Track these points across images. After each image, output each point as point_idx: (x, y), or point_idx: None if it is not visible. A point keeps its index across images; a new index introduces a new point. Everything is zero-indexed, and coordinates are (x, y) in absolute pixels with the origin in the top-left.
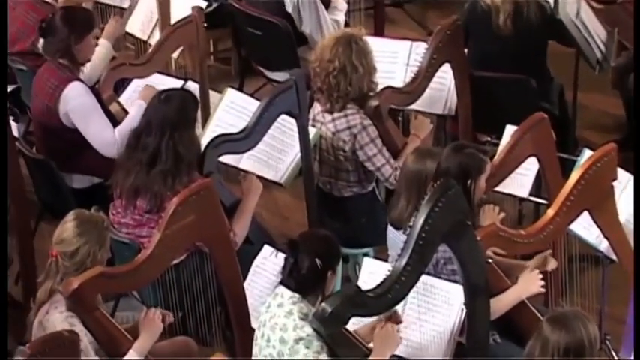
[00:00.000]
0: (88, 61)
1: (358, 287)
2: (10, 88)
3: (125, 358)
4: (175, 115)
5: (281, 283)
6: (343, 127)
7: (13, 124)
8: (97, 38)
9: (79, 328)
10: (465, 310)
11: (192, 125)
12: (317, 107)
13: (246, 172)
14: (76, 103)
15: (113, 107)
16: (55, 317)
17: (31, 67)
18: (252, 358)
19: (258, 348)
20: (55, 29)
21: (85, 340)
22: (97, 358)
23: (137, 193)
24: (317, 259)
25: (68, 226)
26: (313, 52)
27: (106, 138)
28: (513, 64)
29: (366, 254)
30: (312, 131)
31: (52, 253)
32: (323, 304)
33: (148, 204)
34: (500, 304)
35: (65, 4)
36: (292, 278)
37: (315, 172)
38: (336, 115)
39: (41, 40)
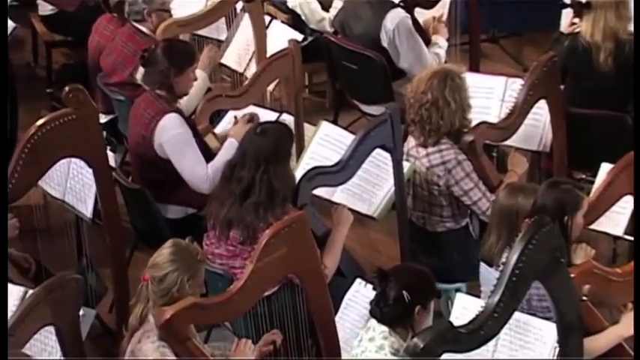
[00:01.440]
0: (186, 94)
1: (450, 323)
2: (107, 118)
3: None
4: (271, 148)
5: (370, 313)
6: (437, 162)
7: (110, 154)
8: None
9: (171, 358)
10: (557, 349)
11: (288, 159)
12: (411, 141)
13: (338, 204)
14: (171, 136)
15: (209, 138)
16: (147, 347)
17: (129, 98)
18: None
19: None
20: (156, 61)
21: None
22: None
23: (230, 225)
24: (404, 292)
25: (164, 252)
26: (410, 84)
27: (198, 173)
28: (609, 101)
29: (458, 290)
30: (406, 165)
31: (144, 277)
32: (415, 339)
33: (240, 235)
34: (598, 343)
35: (163, 35)
36: (379, 309)
37: (409, 206)
38: (430, 149)
39: (140, 70)
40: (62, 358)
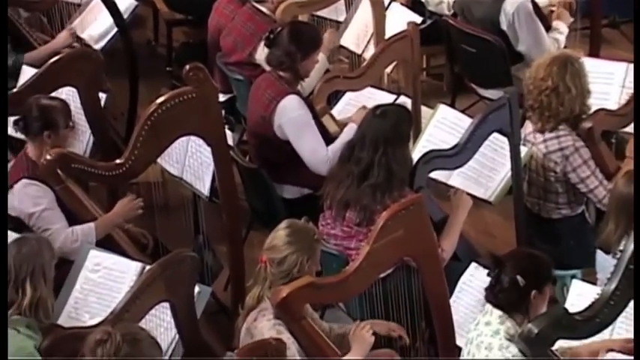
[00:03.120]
0: (307, 76)
1: (566, 309)
2: (225, 97)
3: None
4: (390, 130)
5: (485, 299)
6: (555, 148)
7: (228, 133)
8: None
9: (286, 337)
10: None
11: (406, 141)
12: (529, 127)
13: (455, 188)
14: (291, 117)
15: (325, 120)
16: (263, 325)
17: (247, 77)
18: None
19: None
20: (282, 42)
21: (293, 348)
22: None
23: (347, 206)
24: (519, 277)
25: (280, 234)
26: (528, 70)
27: (318, 155)
28: None
29: (573, 276)
30: (523, 150)
31: (262, 260)
32: (529, 324)
33: (357, 216)
34: None
35: (283, 16)
36: (494, 294)
37: (524, 191)
38: (547, 135)
39: (258, 51)
40: (177, 333)
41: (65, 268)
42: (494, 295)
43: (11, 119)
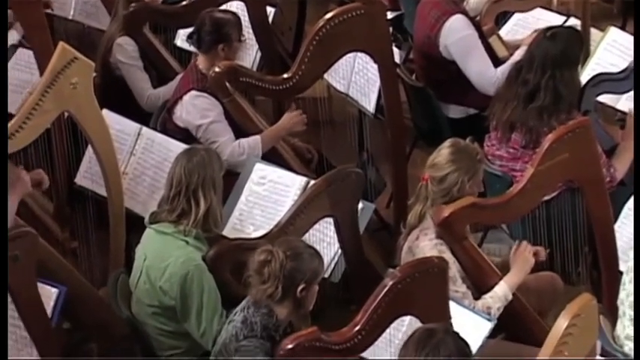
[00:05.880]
0: None
1: None
2: (393, 15)
3: (497, 289)
4: (559, 53)
5: None
6: None
7: (395, 50)
8: None
9: (448, 256)
10: None
11: (575, 65)
12: None
13: (623, 112)
14: (457, 38)
15: (493, 40)
16: (425, 244)
17: None
18: (618, 302)
19: (626, 293)
20: None
21: (454, 268)
22: (464, 286)
23: (513, 127)
24: None
25: (443, 152)
26: None
27: (487, 75)
28: None
29: None
30: None
31: (424, 177)
32: None
33: (523, 138)
34: None
35: None
36: None
37: None
38: None
39: None
40: (340, 249)
41: (230, 180)
42: None
43: (181, 32)
